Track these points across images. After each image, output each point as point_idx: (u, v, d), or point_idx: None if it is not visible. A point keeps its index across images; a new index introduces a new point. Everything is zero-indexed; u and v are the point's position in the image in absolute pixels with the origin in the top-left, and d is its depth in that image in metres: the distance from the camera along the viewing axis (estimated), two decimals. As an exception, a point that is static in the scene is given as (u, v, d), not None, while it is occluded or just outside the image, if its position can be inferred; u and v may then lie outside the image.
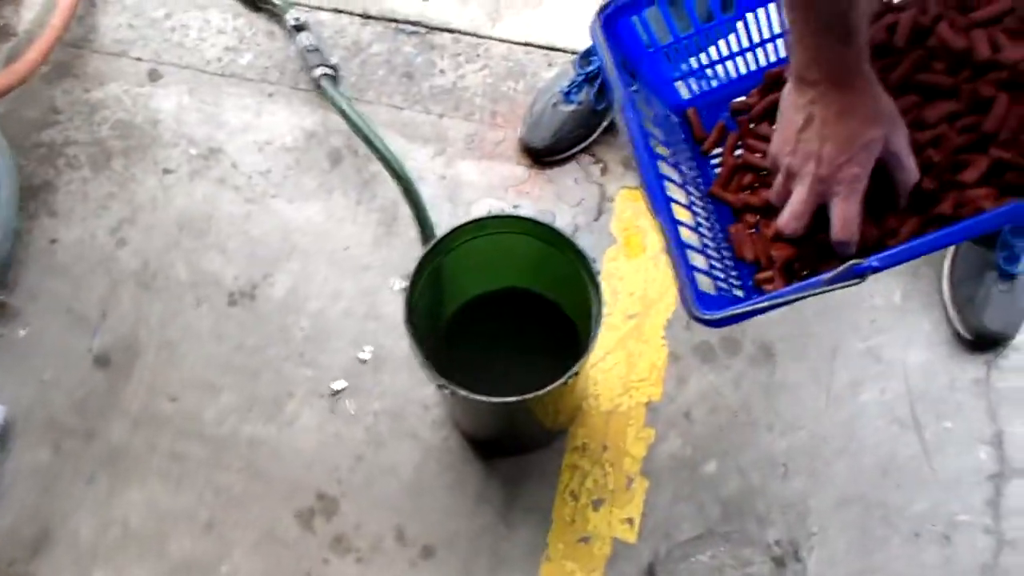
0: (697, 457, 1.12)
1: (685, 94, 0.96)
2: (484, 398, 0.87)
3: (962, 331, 1.13)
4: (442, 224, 1.24)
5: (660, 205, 0.75)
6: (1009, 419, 1.11)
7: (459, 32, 1.39)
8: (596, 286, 0.91)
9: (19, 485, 1.14)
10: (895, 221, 0.76)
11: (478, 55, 1.37)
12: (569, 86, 1.26)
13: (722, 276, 0.82)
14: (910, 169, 0.71)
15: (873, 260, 0.64)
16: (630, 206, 1.26)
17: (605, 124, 1.29)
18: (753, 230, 0.86)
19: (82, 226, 1.28)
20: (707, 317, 0.69)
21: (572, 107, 1.26)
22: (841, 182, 0.69)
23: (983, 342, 1.12)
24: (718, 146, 0.93)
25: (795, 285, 0.69)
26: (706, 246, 0.83)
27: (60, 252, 1.27)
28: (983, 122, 0.75)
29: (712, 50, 0.93)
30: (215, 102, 1.36)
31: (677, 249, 0.73)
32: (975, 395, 1.12)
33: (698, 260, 0.78)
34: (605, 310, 0.91)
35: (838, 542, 1.07)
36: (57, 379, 1.20)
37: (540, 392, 0.87)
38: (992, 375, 1.13)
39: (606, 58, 0.80)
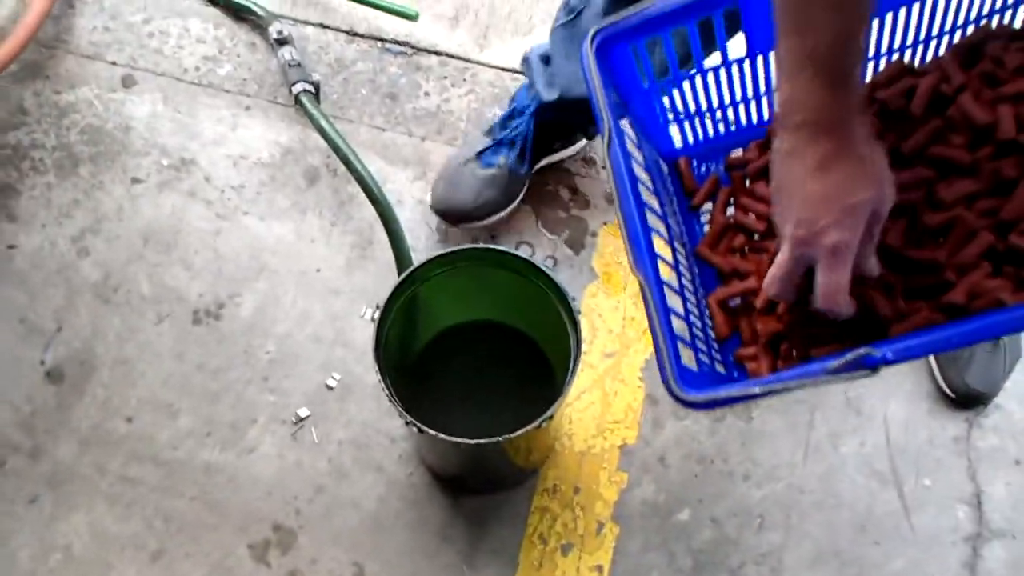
0: (671, 504, 1.09)
1: (678, 142, 0.89)
2: (452, 439, 0.83)
3: (945, 388, 1.11)
4: (419, 250, 1.20)
5: (645, 261, 0.67)
6: (988, 479, 1.09)
7: (446, 55, 1.36)
8: (575, 325, 0.87)
9: (-44, 504, 1.08)
10: (905, 304, 0.70)
11: (464, 79, 1.35)
12: (483, 150, 1.17)
13: (703, 348, 0.75)
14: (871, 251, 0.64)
15: (887, 352, 0.55)
16: (612, 242, 1.23)
17: (521, 196, 1.21)
18: (738, 299, 0.80)
19: (43, 233, 1.23)
20: (689, 399, 0.61)
21: (492, 171, 1.16)
22: (823, 248, 0.60)
23: (965, 400, 1.10)
24: (709, 201, 0.87)
25: (796, 371, 0.61)
26: (689, 312, 0.76)
27: (18, 259, 1.21)
28: (1003, 206, 0.69)
29: (713, 95, 0.86)
30: (190, 112, 1.31)
31: (661, 315, 0.65)
32: (955, 453, 1.10)
33: (680, 328, 0.70)
34: (583, 348, 0.88)
35: (811, 599, 1.04)
36: (5, 392, 1.14)
37: (511, 435, 0.84)
38: (973, 433, 1.11)
39: (596, 87, 0.72)
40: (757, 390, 0.60)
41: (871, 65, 0.83)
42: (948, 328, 0.58)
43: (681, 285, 0.77)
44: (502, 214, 1.21)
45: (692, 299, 0.79)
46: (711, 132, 0.89)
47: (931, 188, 0.72)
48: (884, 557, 1.05)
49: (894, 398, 1.13)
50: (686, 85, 0.84)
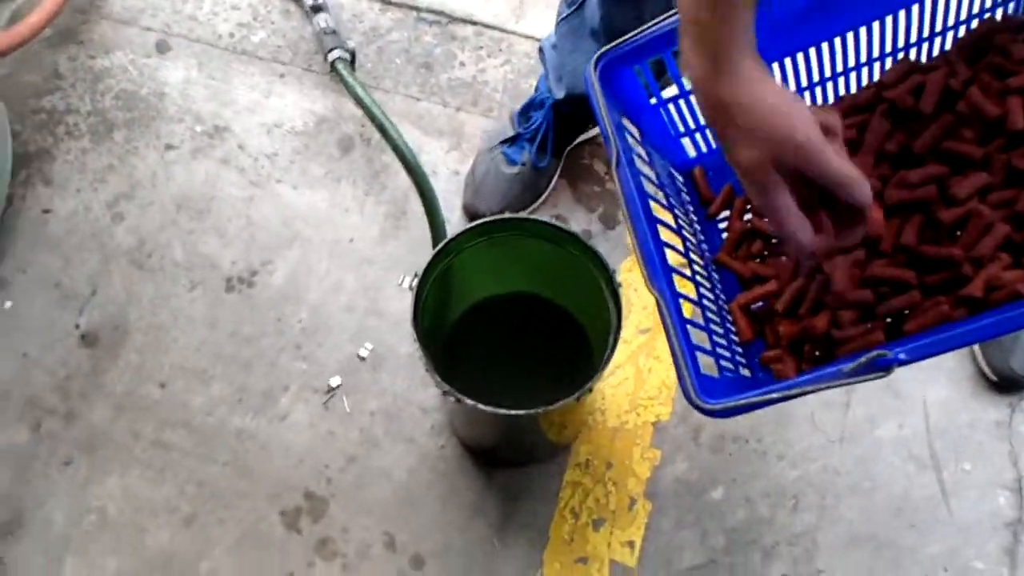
0: (704, 482, 1.08)
1: (692, 152, 0.90)
2: (491, 409, 0.82)
3: (987, 371, 1.08)
4: (452, 222, 1.19)
5: (660, 278, 0.67)
6: (1030, 464, 1.07)
7: (482, 25, 1.34)
8: (617, 298, 0.86)
9: (-7, 465, 1.09)
10: (922, 298, 0.70)
11: (500, 50, 1.33)
12: (507, 141, 1.18)
13: (727, 355, 0.76)
14: (847, 183, 0.56)
15: (900, 352, 0.56)
16: (648, 216, 1.21)
17: (553, 182, 1.22)
18: (760, 303, 0.81)
19: (77, 198, 1.23)
20: (709, 407, 0.62)
21: (516, 169, 1.17)
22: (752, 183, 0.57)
23: (1009, 384, 1.07)
24: (725, 209, 0.87)
25: (810, 375, 0.61)
26: (709, 320, 0.76)
27: (53, 223, 1.21)
28: (1018, 197, 0.69)
29: None
30: (224, 79, 1.30)
31: (678, 327, 0.66)
32: (997, 437, 1.08)
33: (700, 338, 0.70)
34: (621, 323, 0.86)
35: (845, 581, 1.03)
36: (40, 356, 1.14)
37: (550, 407, 0.83)
38: (1015, 418, 1.08)
39: (603, 113, 0.72)
40: (775, 395, 0.60)
41: (877, 66, 0.82)
42: (964, 324, 0.58)
43: (700, 295, 0.77)
44: (533, 207, 1.21)
45: (713, 307, 0.79)
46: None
47: (944, 184, 0.72)
48: (921, 541, 1.04)
49: (934, 381, 1.11)
50: (692, 98, 0.84)
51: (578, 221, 1.21)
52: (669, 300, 0.66)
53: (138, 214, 1.22)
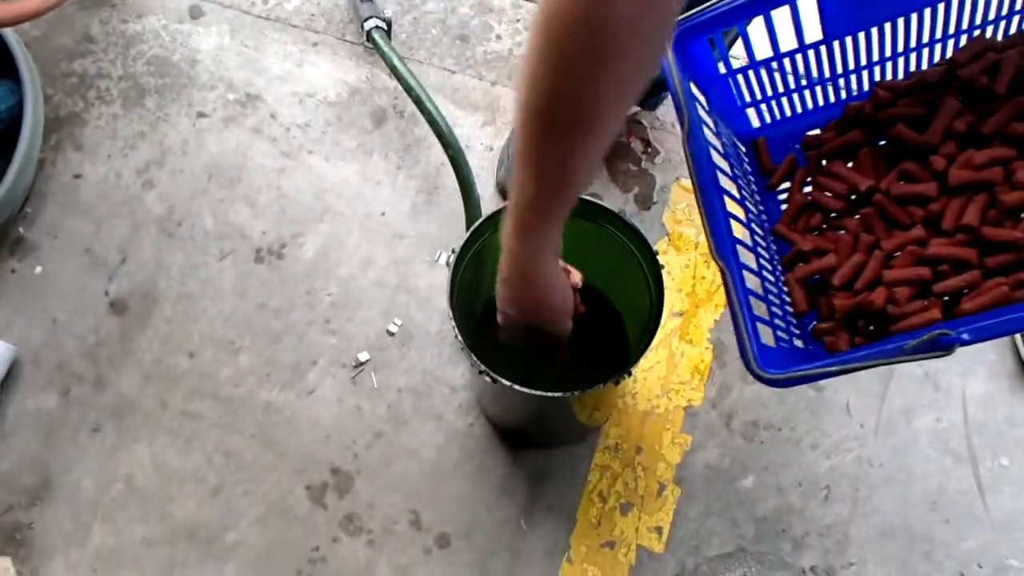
0: (735, 470, 1.06)
1: (756, 122, 0.90)
2: (527, 390, 0.80)
3: (1030, 365, 1.06)
4: (486, 198, 1.17)
5: (727, 250, 0.69)
6: (1070, 462, 1.04)
7: (519, -3, 1.32)
8: (659, 280, 0.84)
9: (22, 429, 1.09)
10: (982, 279, 0.69)
11: (538, 23, 1.30)
12: None
13: (783, 325, 0.77)
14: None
15: (963, 332, 0.56)
16: (684, 197, 1.19)
17: None
18: (817, 276, 0.80)
19: (108, 164, 1.22)
20: (770, 376, 0.63)
21: None
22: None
23: (1052, 379, 1.05)
24: (786, 180, 0.87)
25: (872, 349, 0.62)
26: (768, 291, 0.77)
27: (83, 189, 1.21)
28: None
29: (790, 78, 0.86)
30: (256, 47, 1.29)
31: (742, 298, 0.67)
32: (1037, 434, 1.06)
33: (760, 308, 0.72)
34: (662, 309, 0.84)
35: (877, 575, 1.01)
36: (70, 322, 1.14)
37: (587, 390, 0.81)
38: (1057, 414, 1.06)
39: (676, 82, 0.73)
40: (834, 368, 0.60)
41: (951, 43, 0.80)
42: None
43: (760, 265, 0.78)
44: None
45: (771, 278, 0.80)
46: (788, 112, 0.89)
47: (1009, 168, 0.71)
48: (956, 536, 1.02)
49: (973, 374, 1.09)
50: (763, 69, 0.84)
51: (613, 201, 1.19)
52: (735, 271, 0.67)
53: (168, 182, 1.21)
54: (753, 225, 0.80)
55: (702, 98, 0.80)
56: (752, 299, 0.69)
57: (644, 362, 1.11)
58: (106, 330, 1.14)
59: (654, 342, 1.11)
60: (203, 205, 1.20)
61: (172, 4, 1.31)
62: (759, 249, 0.80)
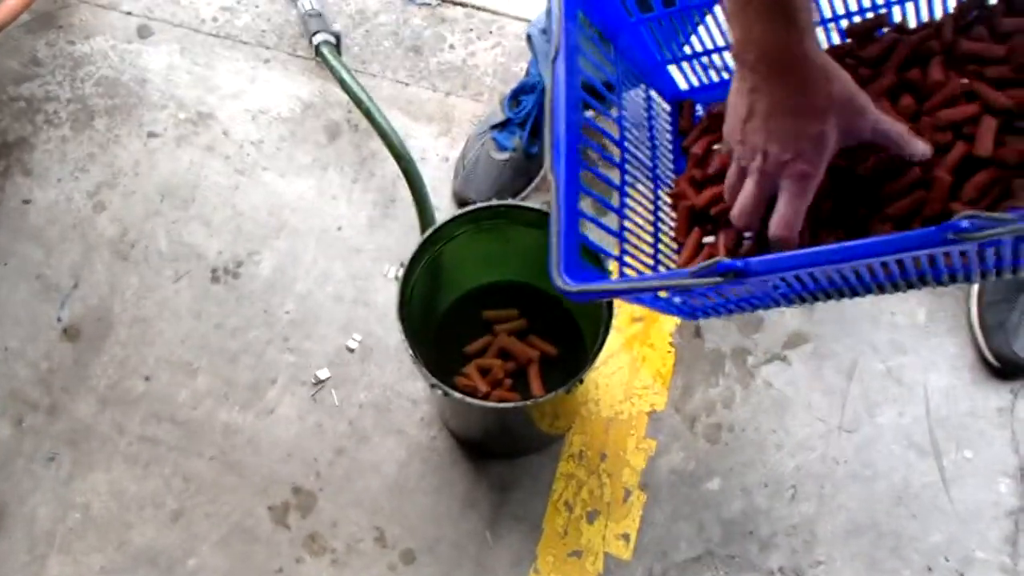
0: (700, 473, 1.05)
1: (683, 84, 0.88)
2: (477, 403, 0.80)
3: (989, 357, 1.06)
4: (443, 209, 1.17)
5: (559, 163, 0.67)
6: (1032, 452, 1.05)
7: (472, 6, 1.31)
8: (608, 287, 0.83)
9: (-26, 461, 1.07)
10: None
11: (491, 32, 1.30)
12: (498, 126, 1.15)
13: (647, 260, 0.76)
14: (900, 141, 0.64)
15: (740, 260, 0.56)
16: (643, 201, 1.19)
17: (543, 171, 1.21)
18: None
19: (58, 188, 1.20)
20: (566, 286, 0.63)
21: (506, 155, 1.15)
22: (788, 179, 0.62)
23: (1010, 369, 1.05)
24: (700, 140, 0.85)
25: (659, 273, 0.65)
26: (625, 228, 0.77)
27: (33, 214, 1.19)
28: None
29: (705, 38, 0.84)
30: (207, 64, 1.27)
31: (563, 208, 0.66)
32: (998, 425, 1.06)
33: (610, 245, 0.74)
34: (612, 311, 0.84)
35: (845, 573, 1.01)
36: (22, 349, 1.12)
37: (538, 400, 0.80)
38: (1018, 405, 1.06)
39: (557, 4, 0.70)
40: (623, 286, 0.62)
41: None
42: (829, 249, 0.55)
43: (623, 203, 0.78)
44: (524, 193, 1.19)
45: (648, 204, 0.80)
46: (716, 77, 0.87)
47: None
48: (922, 530, 1.02)
49: (935, 368, 1.09)
50: (675, 24, 0.82)
51: (571, 207, 1.18)
52: (563, 184, 0.67)
53: (121, 204, 1.19)
54: (640, 171, 0.80)
55: (609, 45, 0.79)
56: (587, 222, 0.70)
57: (606, 368, 1.10)
58: (59, 356, 1.12)
59: (616, 347, 1.12)
60: (157, 226, 1.18)
61: (120, 24, 1.30)
62: (637, 190, 0.80)
